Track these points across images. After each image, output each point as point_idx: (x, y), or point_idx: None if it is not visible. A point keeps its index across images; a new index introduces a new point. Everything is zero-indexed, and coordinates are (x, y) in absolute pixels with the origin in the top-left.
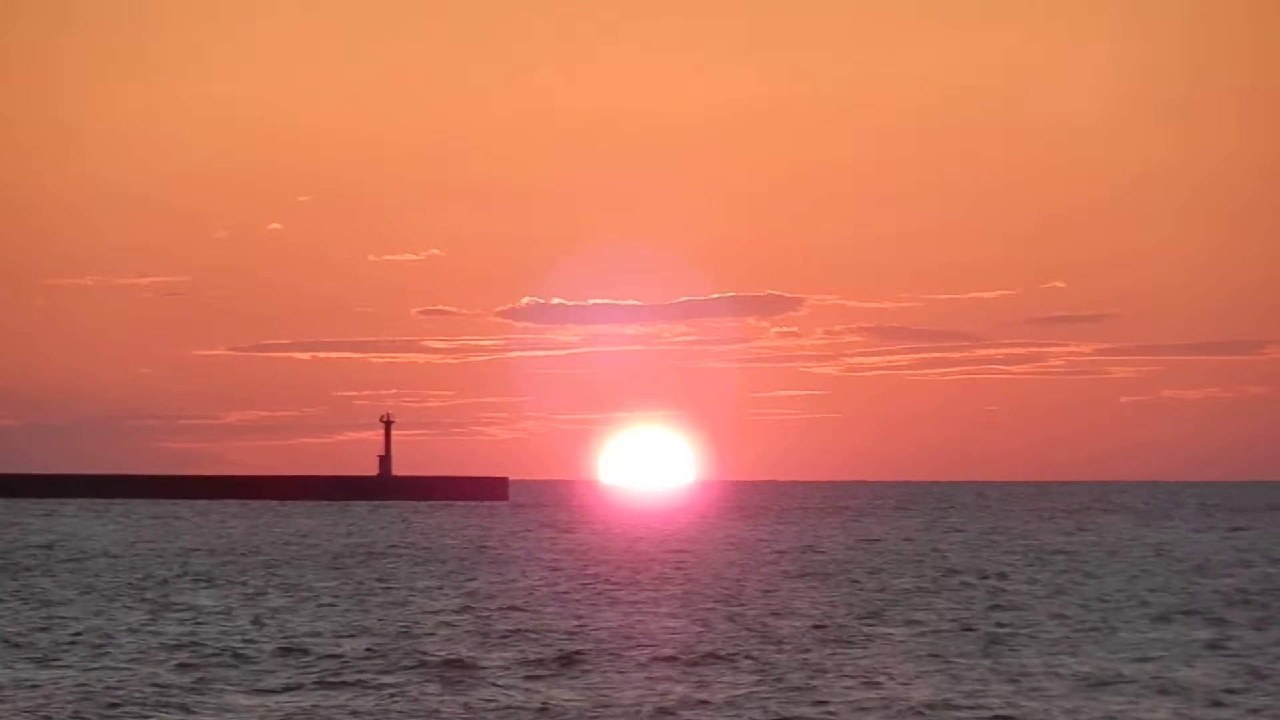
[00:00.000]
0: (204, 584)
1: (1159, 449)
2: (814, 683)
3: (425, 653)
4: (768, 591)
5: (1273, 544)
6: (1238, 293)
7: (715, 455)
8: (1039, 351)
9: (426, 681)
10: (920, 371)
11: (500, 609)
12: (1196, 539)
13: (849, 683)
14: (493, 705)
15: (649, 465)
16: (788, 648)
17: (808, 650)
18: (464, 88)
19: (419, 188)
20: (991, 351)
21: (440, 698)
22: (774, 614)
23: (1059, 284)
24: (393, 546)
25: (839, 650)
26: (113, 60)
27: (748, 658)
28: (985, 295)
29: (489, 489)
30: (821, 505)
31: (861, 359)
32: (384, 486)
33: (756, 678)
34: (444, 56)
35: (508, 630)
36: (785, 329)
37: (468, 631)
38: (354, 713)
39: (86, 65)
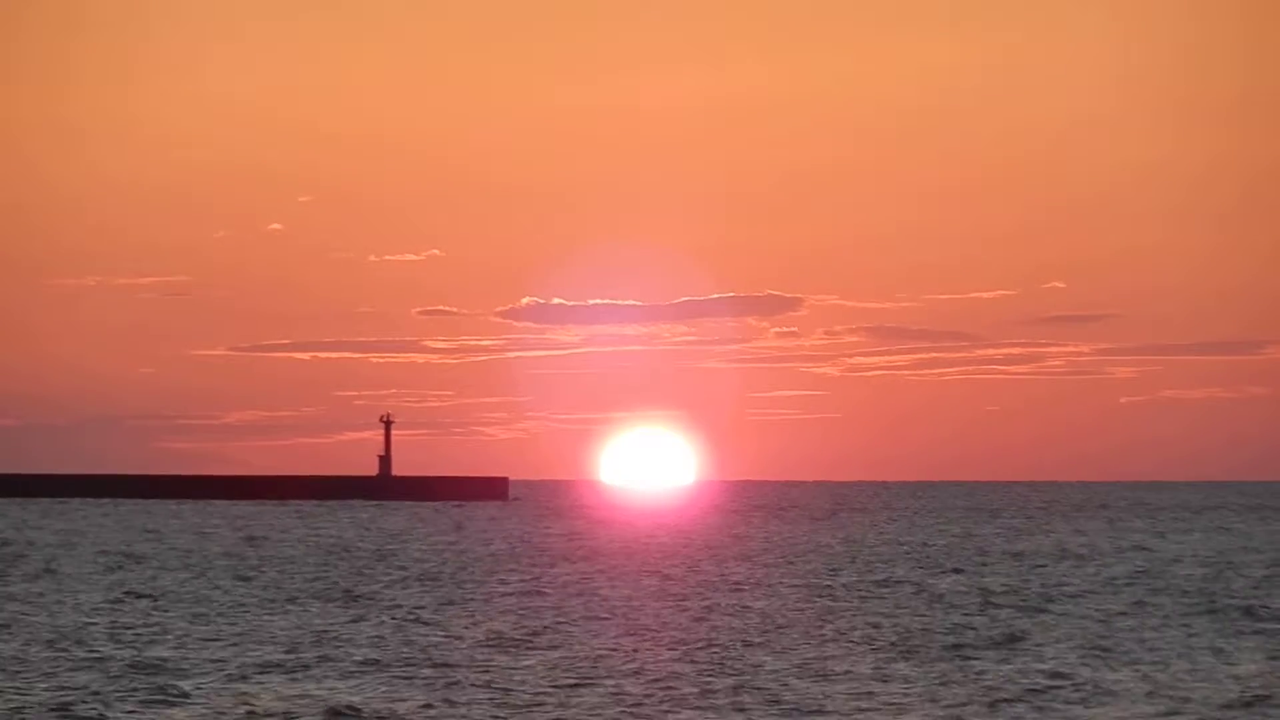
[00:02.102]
0: None
1: (1159, 449)
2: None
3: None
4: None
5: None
6: (1237, 292)
7: (715, 455)
8: (1039, 351)
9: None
10: (920, 371)
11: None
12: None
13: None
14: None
15: (649, 465)
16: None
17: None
18: (464, 87)
19: (419, 188)
20: (991, 351)
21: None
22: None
23: (1059, 284)
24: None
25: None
26: (113, 60)
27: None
28: (985, 295)
29: (489, 489)
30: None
31: (861, 359)
32: (384, 486)
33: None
34: (444, 56)
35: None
36: (785, 329)
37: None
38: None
39: (87, 65)
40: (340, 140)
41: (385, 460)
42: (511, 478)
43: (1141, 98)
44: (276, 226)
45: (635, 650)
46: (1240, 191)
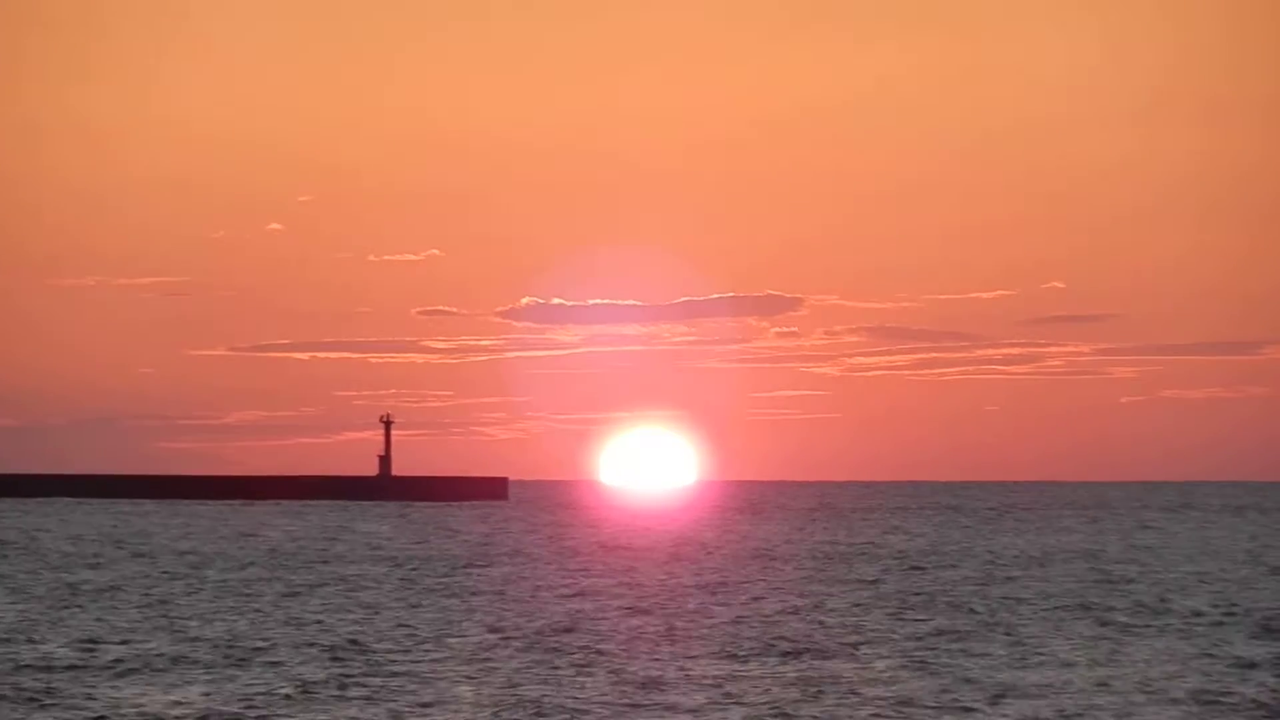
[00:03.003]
0: None
1: (1159, 449)
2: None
3: None
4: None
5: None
6: (1238, 293)
7: (715, 455)
8: (1039, 351)
9: None
10: (920, 371)
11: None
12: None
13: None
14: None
15: (649, 465)
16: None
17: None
18: (464, 87)
19: (419, 188)
20: (991, 351)
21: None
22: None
23: (1059, 284)
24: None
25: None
26: (115, 59)
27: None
28: (985, 295)
29: (489, 489)
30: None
31: (861, 359)
32: (384, 486)
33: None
34: (443, 57)
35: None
36: (785, 329)
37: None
38: None
39: (87, 65)
40: (340, 140)
41: (385, 460)
42: (511, 478)
43: (1143, 98)
44: (276, 226)
45: (549, 647)
46: (1241, 193)
